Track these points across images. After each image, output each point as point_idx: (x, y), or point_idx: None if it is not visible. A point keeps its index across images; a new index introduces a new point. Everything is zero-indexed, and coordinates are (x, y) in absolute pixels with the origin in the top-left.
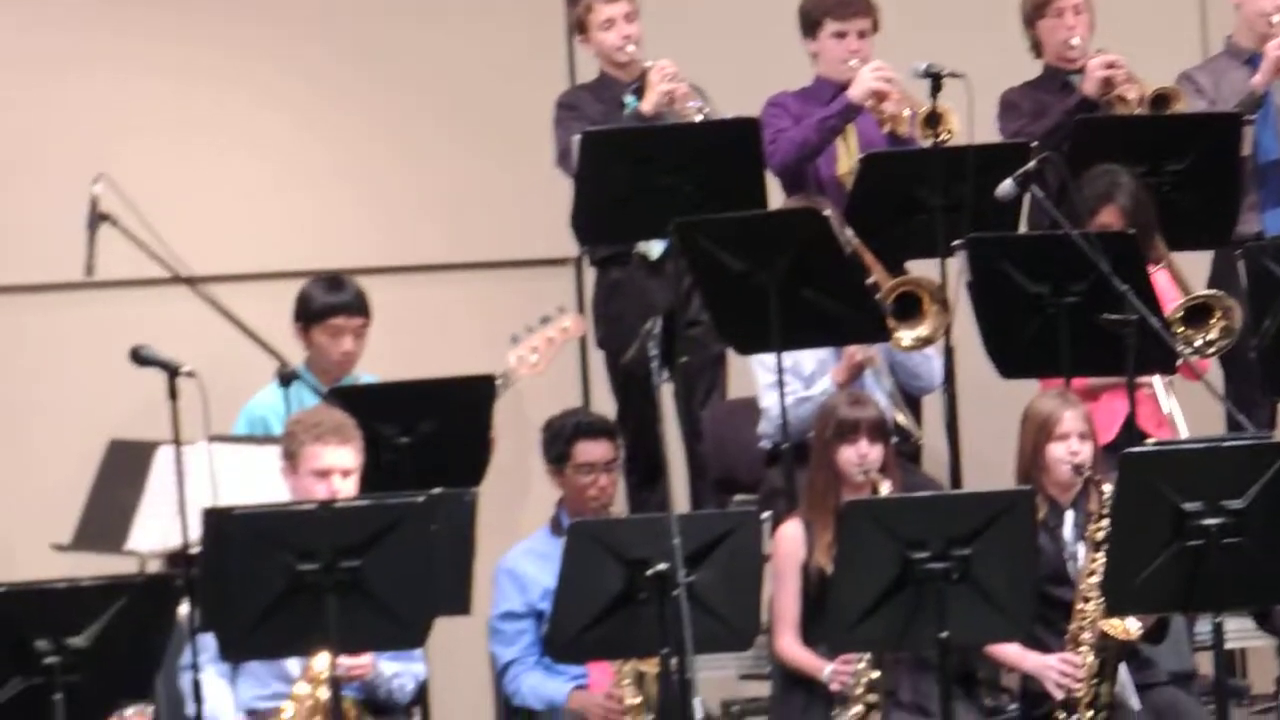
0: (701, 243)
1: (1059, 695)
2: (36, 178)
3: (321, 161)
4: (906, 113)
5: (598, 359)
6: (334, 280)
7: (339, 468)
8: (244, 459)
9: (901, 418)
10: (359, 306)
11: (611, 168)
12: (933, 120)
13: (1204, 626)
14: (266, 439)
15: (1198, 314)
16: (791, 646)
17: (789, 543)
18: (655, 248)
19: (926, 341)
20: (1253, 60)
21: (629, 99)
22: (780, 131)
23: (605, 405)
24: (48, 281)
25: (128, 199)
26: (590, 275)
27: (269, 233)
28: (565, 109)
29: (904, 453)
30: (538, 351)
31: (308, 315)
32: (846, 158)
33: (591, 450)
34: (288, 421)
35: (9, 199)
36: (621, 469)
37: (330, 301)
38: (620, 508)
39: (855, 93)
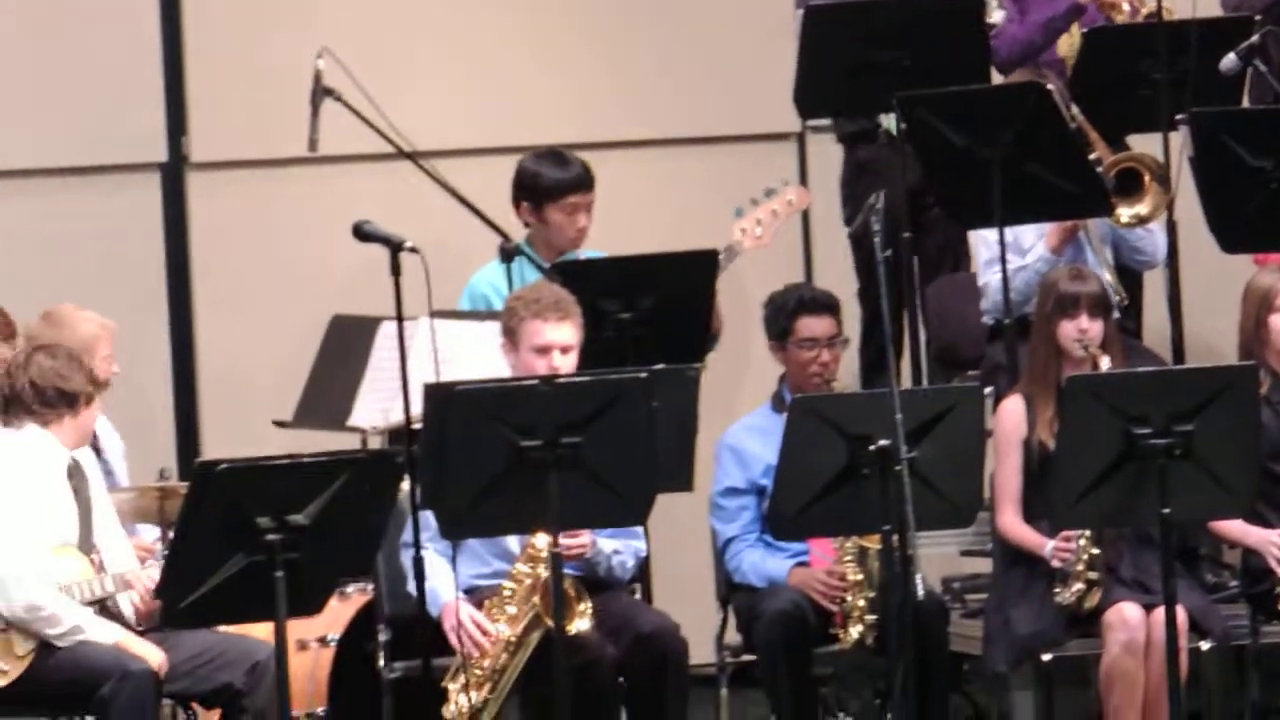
0: (925, 117)
1: None
2: (260, 53)
3: (542, 35)
4: (1126, 6)
5: (821, 234)
6: (558, 156)
7: (559, 343)
8: (467, 335)
9: (1108, 275)
10: (590, 182)
11: (834, 41)
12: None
13: None
14: (489, 314)
15: None
16: (1013, 522)
17: (1010, 418)
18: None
19: (1145, 220)
20: None
21: None
22: (1004, 22)
23: (828, 280)
24: (272, 156)
25: (351, 73)
26: (815, 150)
27: (490, 108)
28: None
29: (1126, 329)
30: (762, 224)
31: (539, 193)
32: (1067, 38)
33: (814, 325)
34: (508, 298)
35: (233, 74)
36: (844, 345)
37: (563, 178)
38: (853, 383)
39: None
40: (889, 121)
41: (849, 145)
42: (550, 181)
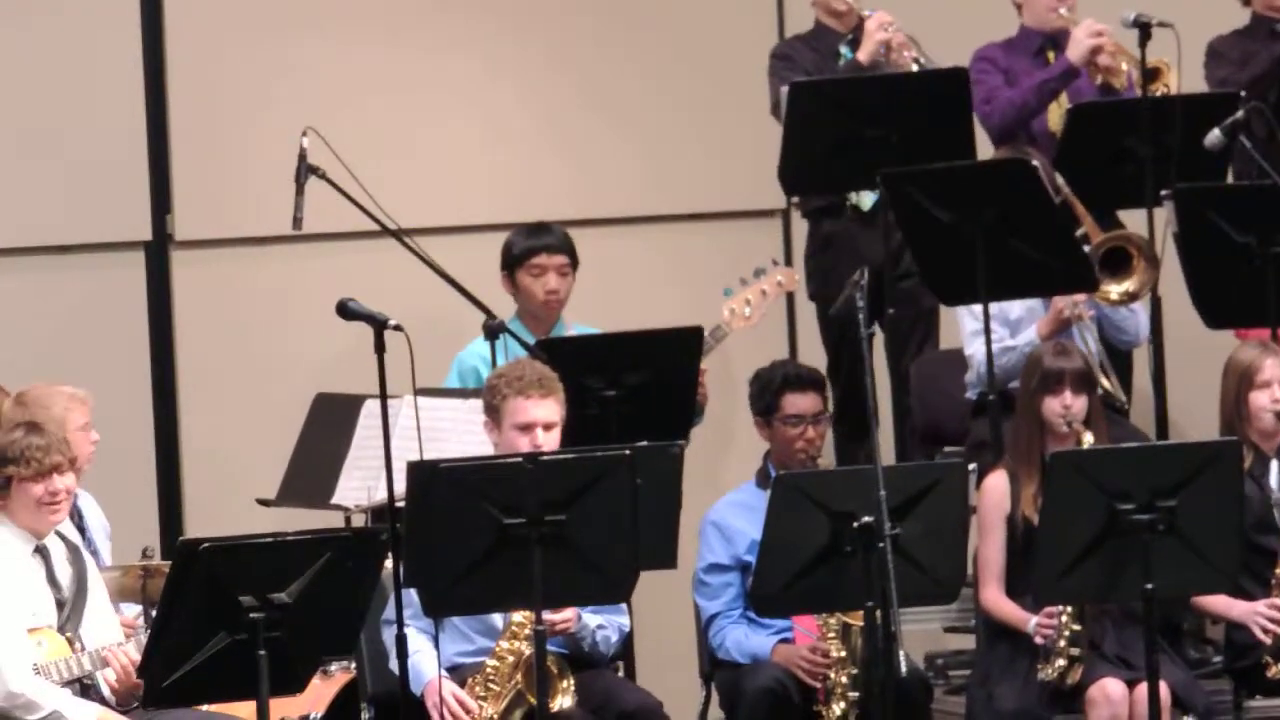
0: (909, 193)
1: (1266, 640)
2: (245, 131)
3: (530, 113)
4: (1125, 65)
5: (805, 310)
6: (537, 225)
7: (541, 420)
8: (450, 412)
9: (1106, 382)
10: (561, 245)
11: (819, 118)
12: (1147, 76)
13: None
14: (473, 392)
15: None
16: (996, 598)
17: (994, 494)
18: (867, 199)
19: (1133, 296)
20: None
21: (844, 49)
22: (994, 90)
23: (812, 357)
24: (256, 234)
25: (335, 151)
26: (799, 226)
27: (476, 185)
28: (779, 59)
29: (1111, 405)
30: (751, 304)
31: (511, 260)
32: (1056, 110)
33: (799, 402)
34: (489, 376)
35: (218, 152)
36: (830, 421)
37: (531, 243)
38: (829, 460)
39: (1074, 54)
40: (857, 197)
41: (813, 219)
42: (520, 246)
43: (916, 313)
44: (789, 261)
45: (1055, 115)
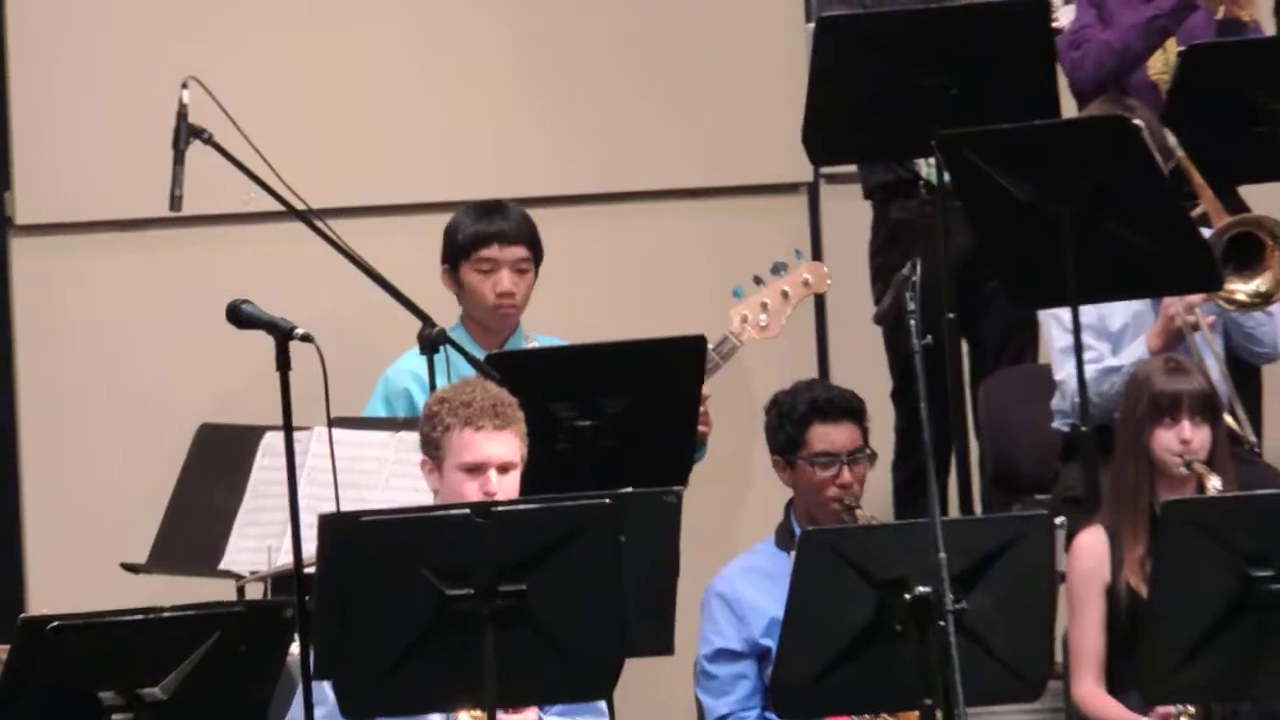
0: (973, 162)
1: None
2: (107, 88)
3: (477, 63)
4: None
5: (841, 315)
6: (488, 205)
7: (496, 460)
8: (376, 449)
9: (1229, 418)
10: (518, 234)
11: (855, 64)
12: None
13: None
14: (405, 422)
15: None
16: (1094, 694)
17: (1090, 557)
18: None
19: (1266, 298)
20: None
21: None
22: (1085, 30)
23: (850, 376)
24: (121, 216)
25: (225, 109)
26: (830, 206)
27: (410, 154)
28: None
29: (1241, 439)
30: (769, 311)
31: (455, 251)
32: (1160, 54)
33: (830, 435)
34: (428, 401)
35: (71, 117)
36: (871, 460)
37: (480, 229)
38: (881, 512)
39: None
40: (931, 169)
41: (880, 202)
42: (466, 233)
43: (1009, 320)
44: (818, 251)
45: (1158, 61)
